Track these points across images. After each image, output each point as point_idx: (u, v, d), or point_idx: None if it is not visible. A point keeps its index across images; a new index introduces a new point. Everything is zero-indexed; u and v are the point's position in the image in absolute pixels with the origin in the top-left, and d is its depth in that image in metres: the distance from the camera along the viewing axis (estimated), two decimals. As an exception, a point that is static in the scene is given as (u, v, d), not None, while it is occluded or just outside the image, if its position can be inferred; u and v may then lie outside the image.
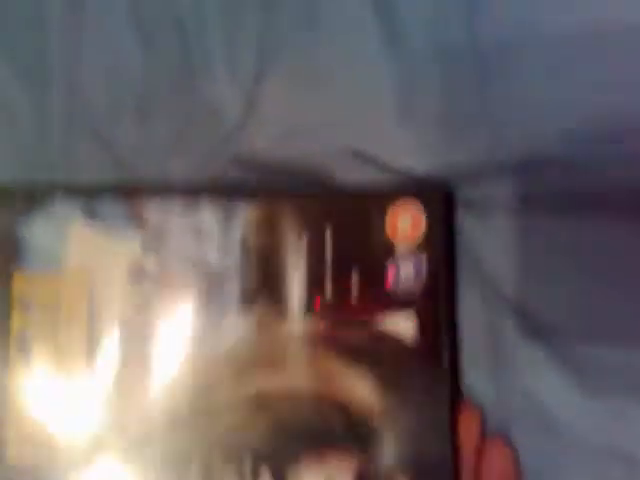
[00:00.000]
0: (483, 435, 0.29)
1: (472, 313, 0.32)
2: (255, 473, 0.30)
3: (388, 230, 0.31)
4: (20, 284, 0.31)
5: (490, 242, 0.32)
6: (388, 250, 0.30)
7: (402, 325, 0.30)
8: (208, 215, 0.31)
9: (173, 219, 0.31)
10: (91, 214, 0.31)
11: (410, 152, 0.33)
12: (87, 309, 0.31)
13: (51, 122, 0.35)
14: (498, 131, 0.32)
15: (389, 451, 0.29)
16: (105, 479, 0.30)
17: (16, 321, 0.31)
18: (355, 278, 0.30)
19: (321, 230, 0.31)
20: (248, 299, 0.30)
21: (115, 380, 0.30)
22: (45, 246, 0.31)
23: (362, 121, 0.33)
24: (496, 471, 0.28)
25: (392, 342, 0.30)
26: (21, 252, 0.31)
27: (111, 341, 0.30)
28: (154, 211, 0.31)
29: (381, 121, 0.33)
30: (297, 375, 0.30)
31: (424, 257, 0.30)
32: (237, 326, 0.30)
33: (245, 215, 0.31)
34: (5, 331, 0.31)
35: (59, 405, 0.30)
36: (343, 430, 0.29)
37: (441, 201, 0.31)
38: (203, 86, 0.34)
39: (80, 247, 0.31)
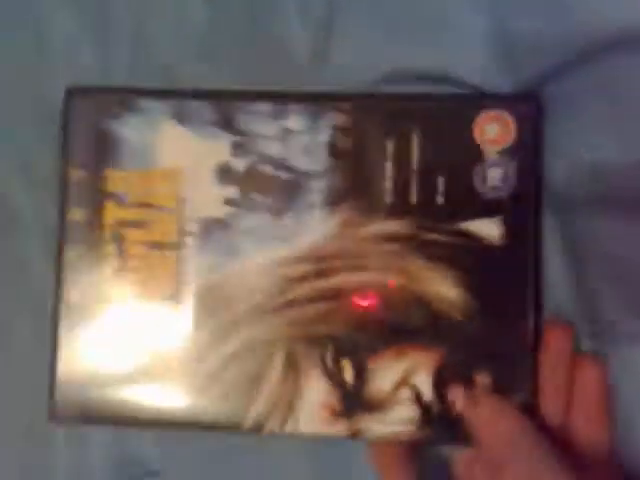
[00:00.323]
0: (573, 351, 0.29)
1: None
2: (337, 363, 0.31)
3: (477, 135, 0.31)
4: (114, 180, 0.32)
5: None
6: (476, 155, 0.31)
7: (488, 229, 0.30)
8: (296, 119, 0.31)
9: (262, 123, 0.32)
10: (181, 117, 0.32)
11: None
12: (176, 207, 0.32)
13: (116, 73, 0.36)
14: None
15: (469, 349, 0.30)
16: (196, 356, 0.32)
17: (109, 215, 0.32)
18: (442, 182, 0.31)
19: (409, 134, 0.31)
20: (333, 201, 0.31)
21: (203, 274, 0.32)
22: (137, 145, 0.32)
23: (441, 67, 0.33)
24: (589, 387, 0.28)
25: (478, 245, 0.30)
26: (115, 150, 0.32)
27: (199, 238, 0.32)
28: (243, 115, 0.32)
29: (462, 68, 0.33)
30: (380, 272, 0.31)
31: (513, 163, 0.30)
32: (321, 226, 0.31)
33: (332, 118, 0.31)
34: (99, 224, 0.32)
35: (151, 297, 0.32)
36: (424, 326, 0.30)
37: (531, 108, 0.31)
38: (273, 30, 0.35)
39: (170, 147, 0.32)
